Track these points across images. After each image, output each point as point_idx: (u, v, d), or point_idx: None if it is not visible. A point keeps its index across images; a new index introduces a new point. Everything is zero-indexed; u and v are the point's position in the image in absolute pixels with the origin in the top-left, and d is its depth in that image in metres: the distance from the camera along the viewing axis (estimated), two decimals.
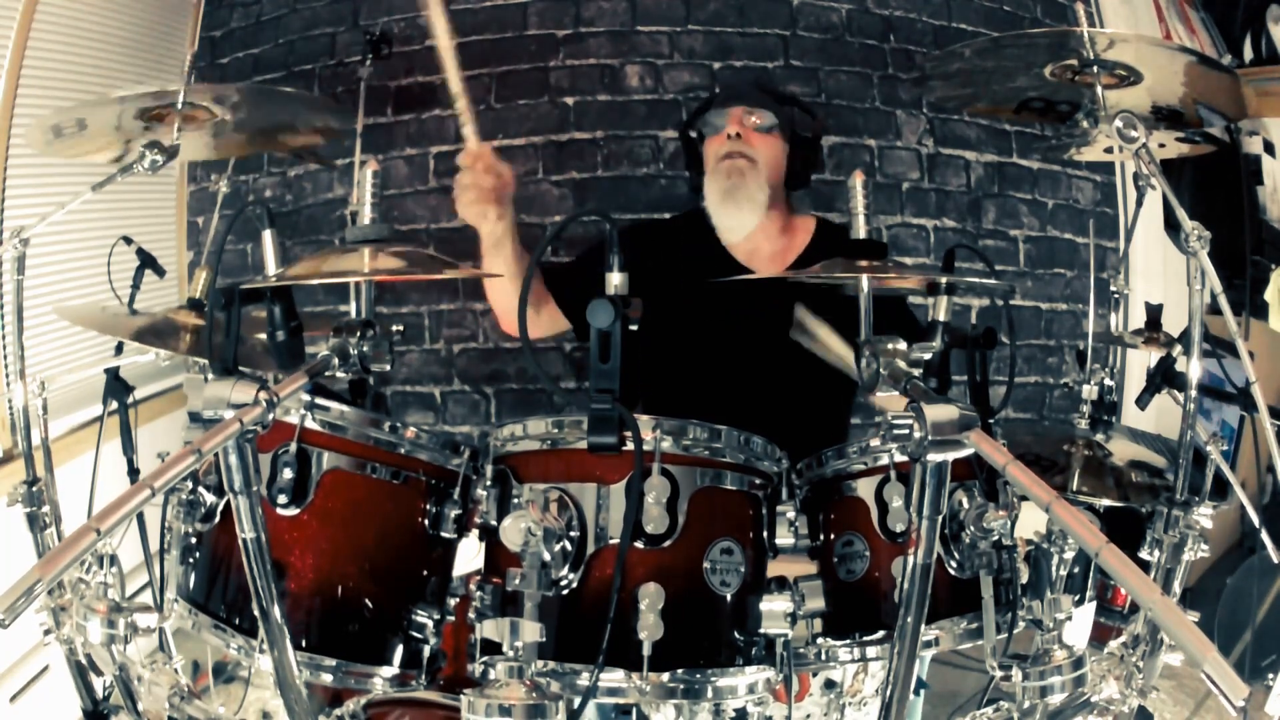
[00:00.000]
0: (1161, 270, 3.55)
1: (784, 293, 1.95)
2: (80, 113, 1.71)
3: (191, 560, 1.32)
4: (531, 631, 1.04)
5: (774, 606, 1.28)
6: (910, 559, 1.10)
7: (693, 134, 2.09)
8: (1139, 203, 1.74)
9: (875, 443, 1.32)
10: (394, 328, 1.39)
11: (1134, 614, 1.97)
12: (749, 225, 2.00)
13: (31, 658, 2.47)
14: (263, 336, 1.35)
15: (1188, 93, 1.66)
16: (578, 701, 1.14)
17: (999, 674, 1.23)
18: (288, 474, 1.24)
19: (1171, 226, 3.40)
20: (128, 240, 2.18)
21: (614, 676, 1.18)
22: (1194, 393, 1.50)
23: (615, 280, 1.18)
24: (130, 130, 1.72)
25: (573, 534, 1.21)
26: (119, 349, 2.05)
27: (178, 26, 3.54)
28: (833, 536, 1.37)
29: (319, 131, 2.18)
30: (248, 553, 1.10)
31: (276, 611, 1.12)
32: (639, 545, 1.20)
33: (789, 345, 1.98)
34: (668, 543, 1.21)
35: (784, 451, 1.38)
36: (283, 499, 1.24)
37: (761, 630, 1.28)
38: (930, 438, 1.02)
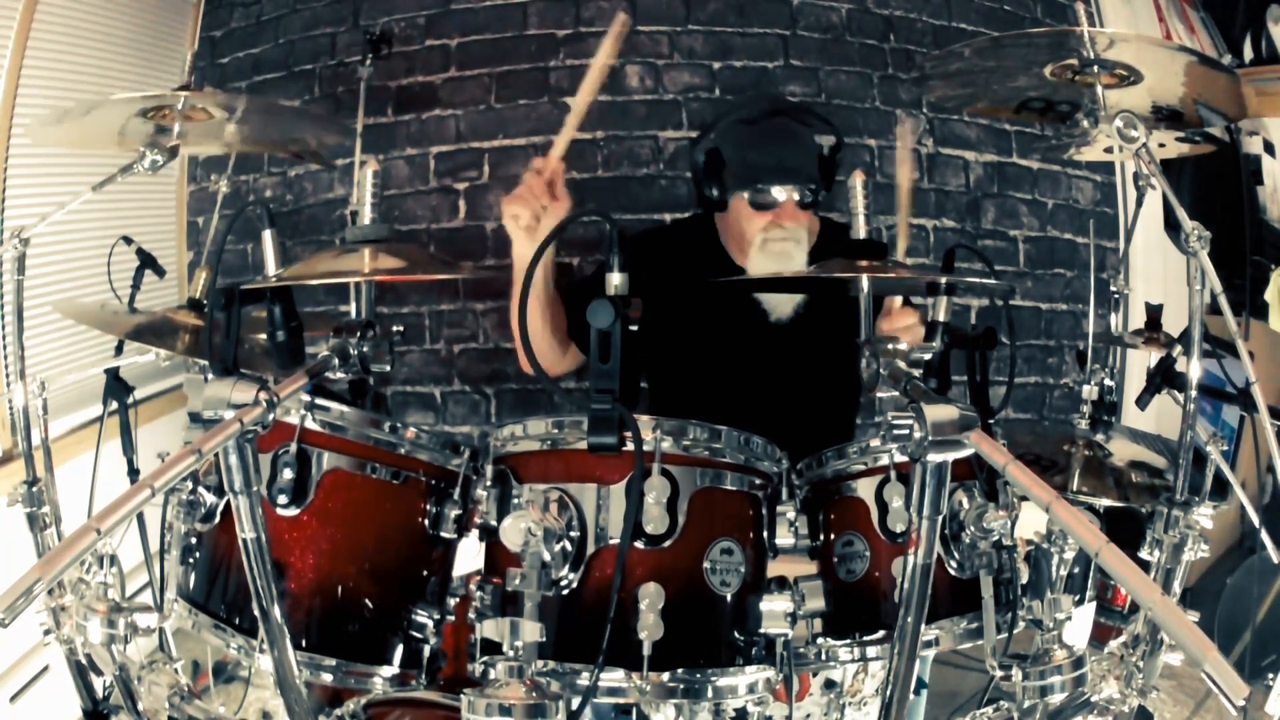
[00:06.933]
0: (1161, 270, 3.55)
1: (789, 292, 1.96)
2: (84, 111, 1.70)
3: (191, 560, 1.32)
4: (531, 631, 1.04)
5: (774, 606, 1.28)
6: (910, 559, 1.10)
7: (721, 154, 1.93)
8: (1139, 203, 1.73)
9: (875, 443, 1.33)
10: (394, 328, 1.39)
11: (1134, 614, 1.97)
12: (799, 293, 1.97)
13: (31, 658, 2.47)
14: (263, 336, 1.35)
15: (1188, 93, 1.66)
16: (577, 701, 1.14)
17: (999, 674, 1.23)
18: (288, 474, 1.24)
19: (1171, 226, 3.40)
20: (128, 240, 2.18)
21: (614, 676, 1.18)
22: (1194, 393, 1.50)
23: (615, 280, 1.18)
24: (136, 131, 1.71)
25: (573, 534, 1.21)
26: (119, 349, 2.05)
27: (178, 26, 3.54)
28: (833, 536, 1.37)
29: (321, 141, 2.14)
30: (248, 553, 1.10)
31: (276, 611, 1.12)
32: (639, 545, 1.20)
33: (794, 346, 1.99)
34: (668, 543, 1.21)
35: (784, 451, 1.38)
36: (283, 499, 1.24)
37: (761, 630, 1.28)
38: (930, 438, 1.02)
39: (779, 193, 1.87)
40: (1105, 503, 2.00)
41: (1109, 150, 2.03)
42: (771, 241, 1.90)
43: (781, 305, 1.99)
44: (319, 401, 1.26)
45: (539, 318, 1.85)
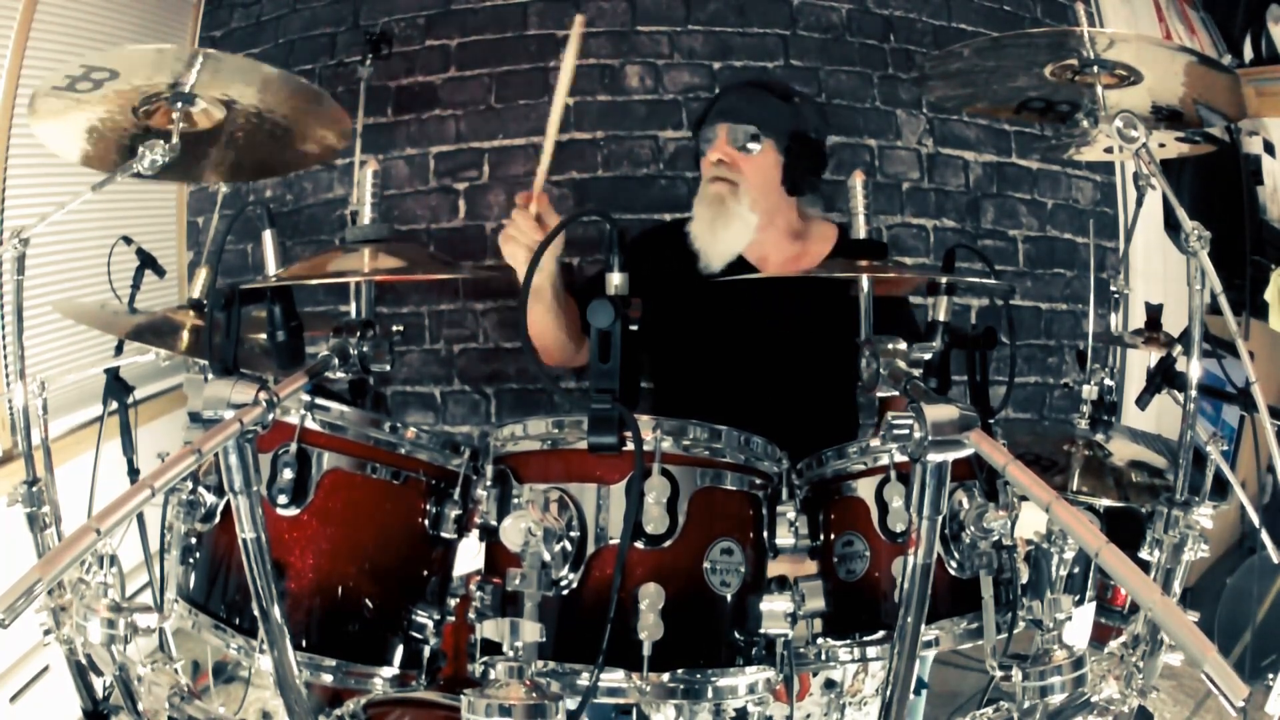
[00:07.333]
0: (1161, 270, 3.55)
1: (795, 295, 1.95)
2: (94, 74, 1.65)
3: (191, 560, 1.32)
4: (531, 631, 1.04)
5: (774, 606, 1.28)
6: (910, 559, 1.10)
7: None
8: (1139, 203, 1.73)
9: (875, 443, 1.32)
10: (394, 328, 1.39)
11: (1134, 614, 1.97)
12: (735, 248, 1.94)
13: (31, 658, 2.47)
14: (263, 336, 1.35)
15: (1188, 93, 1.66)
16: (577, 702, 1.14)
17: (999, 674, 1.22)
18: (288, 474, 1.24)
19: (1171, 226, 3.40)
20: (128, 240, 2.18)
21: (614, 676, 1.18)
22: (1194, 393, 1.50)
23: (615, 280, 1.18)
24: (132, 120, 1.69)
25: (573, 534, 1.21)
26: (119, 349, 2.05)
27: (178, 27, 3.54)
28: (833, 536, 1.37)
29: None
30: (248, 553, 1.10)
31: (276, 611, 1.12)
32: (639, 545, 1.20)
33: (798, 346, 1.99)
34: (668, 543, 1.21)
35: (784, 451, 1.38)
36: (283, 499, 1.24)
37: (762, 630, 1.28)
38: (930, 438, 1.02)
39: (716, 129, 1.92)
40: (1105, 503, 2.00)
41: (1109, 150, 2.03)
42: (707, 183, 1.94)
43: (712, 259, 1.95)
44: (319, 401, 1.26)
45: (553, 319, 1.85)
